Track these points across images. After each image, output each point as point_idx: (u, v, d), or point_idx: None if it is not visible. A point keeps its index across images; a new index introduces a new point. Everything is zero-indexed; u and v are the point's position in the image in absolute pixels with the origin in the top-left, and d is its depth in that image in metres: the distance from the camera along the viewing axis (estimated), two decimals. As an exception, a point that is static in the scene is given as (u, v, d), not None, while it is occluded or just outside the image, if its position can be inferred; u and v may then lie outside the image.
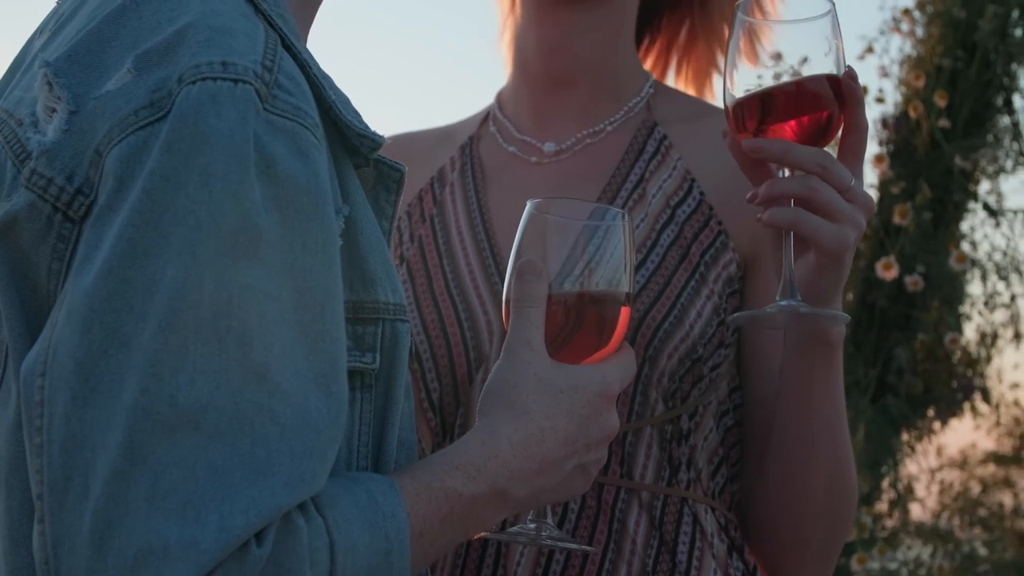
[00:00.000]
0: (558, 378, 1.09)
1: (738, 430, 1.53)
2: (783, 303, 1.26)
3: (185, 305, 0.85)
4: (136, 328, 0.85)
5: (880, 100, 4.63)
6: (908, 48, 4.79)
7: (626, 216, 1.16)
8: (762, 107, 1.26)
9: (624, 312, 1.16)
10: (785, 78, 1.25)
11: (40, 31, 1.10)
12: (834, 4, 1.26)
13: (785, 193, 1.24)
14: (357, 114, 1.04)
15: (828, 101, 1.25)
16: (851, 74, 1.26)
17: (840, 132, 1.29)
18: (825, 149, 1.27)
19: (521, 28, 1.61)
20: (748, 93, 1.26)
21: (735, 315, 1.31)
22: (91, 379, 0.85)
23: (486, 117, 1.67)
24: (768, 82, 1.26)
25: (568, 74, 1.58)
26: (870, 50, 4.87)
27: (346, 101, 1.04)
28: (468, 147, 1.64)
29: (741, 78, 1.27)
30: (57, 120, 0.94)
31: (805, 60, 1.26)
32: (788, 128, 1.25)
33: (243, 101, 0.90)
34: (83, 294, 0.87)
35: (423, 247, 1.57)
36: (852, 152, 1.28)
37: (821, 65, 1.25)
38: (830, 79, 1.25)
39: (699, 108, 1.62)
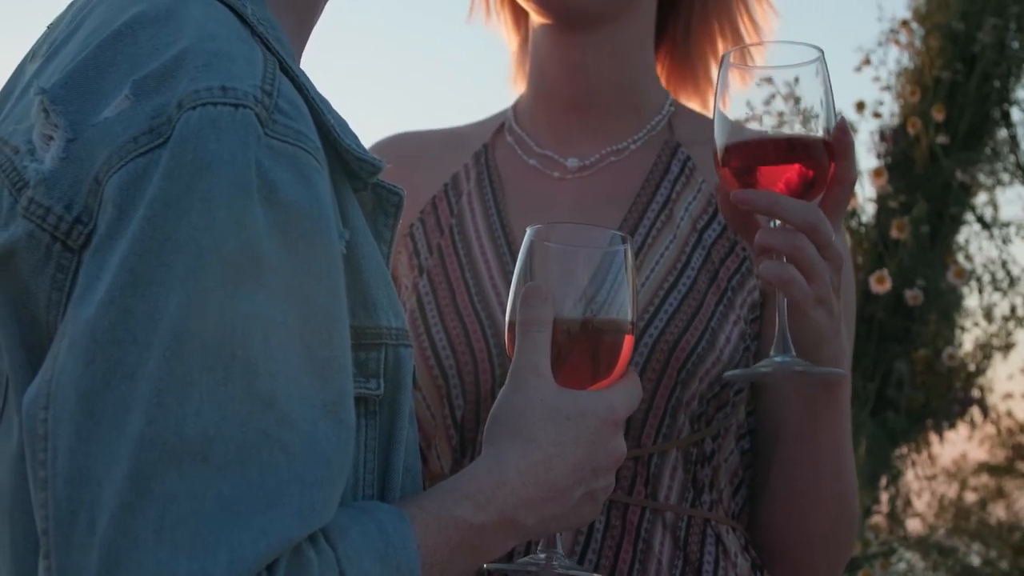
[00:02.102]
0: (565, 404, 1.08)
1: (752, 454, 1.54)
2: (777, 359, 1.25)
3: (189, 334, 0.84)
4: (140, 358, 0.84)
5: (877, 115, 4.63)
6: (905, 60, 4.80)
7: (628, 240, 1.16)
8: (751, 156, 1.25)
9: (629, 338, 1.15)
10: (779, 103, 1.24)
11: (32, 56, 1.08)
12: (822, 51, 1.26)
13: (773, 247, 1.24)
14: (355, 137, 1.03)
15: (818, 154, 1.24)
16: (842, 126, 1.25)
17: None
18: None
19: (538, 50, 1.59)
20: (739, 139, 1.25)
21: (729, 372, 1.31)
22: (95, 411, 0.84)
23: (501, 126, 1.65)
24: (758, 107, 1.25)
25: (589, 95, 1.58)
26: (867, 62, 4.88)
27: (344, 125, 1.03)
28: (483, 156, 1.62)
29: (732, 107, 1.26)
30: (55, 148, 0.92)
31: (796, 80, 1.25)
32: (776, 179, 1.24)
33: (244, 126, 0.88)
34: (85, 325, 0.85)
35: (443, 258, 1.55)
36: (835, 204, 1.28)
37: (808, 110, 1.24)
38: (822, 137, 1.24)
39: None
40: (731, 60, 1.27)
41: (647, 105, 1.60)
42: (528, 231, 1.17)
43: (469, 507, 1.01)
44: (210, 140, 0.87)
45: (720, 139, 1.26)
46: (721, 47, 1.62)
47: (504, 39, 1.70)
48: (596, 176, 1.56)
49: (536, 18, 1.56)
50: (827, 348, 1.30)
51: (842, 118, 1.26)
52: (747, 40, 1.61)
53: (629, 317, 1.15)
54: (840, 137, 1.25)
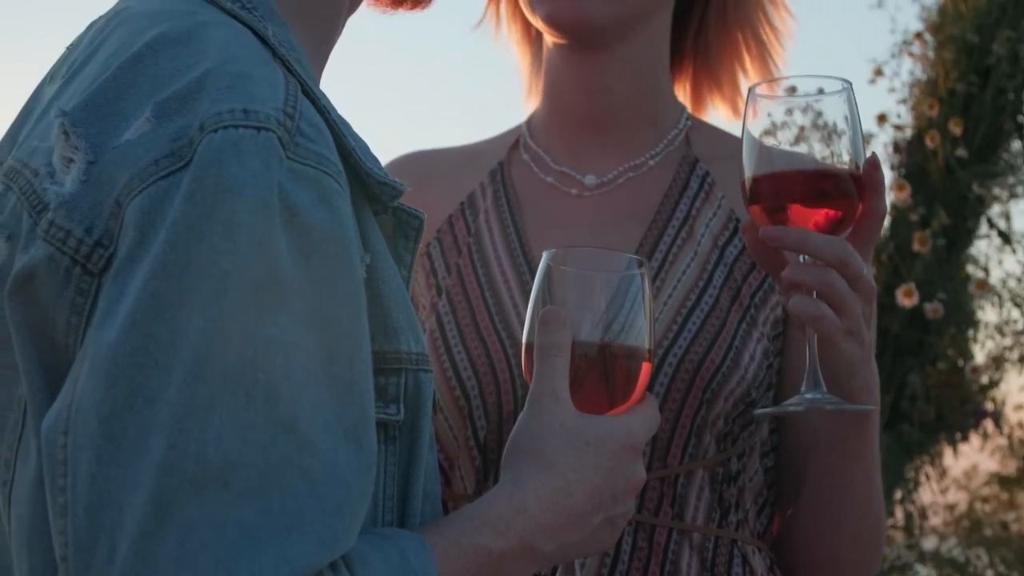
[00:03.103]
0: (584, 430, 1.07)
1: (776, 471, 1.53)
2: (808, 396, 1.25)
3: (211, 358, 0.83)
4: (161, 383, 0.83)
5: (899, 128, 4.61)
6: (919, 72, 4.78)
7: (645, 264, 1.15)
8: (781, 191, 1.25)
9: (647, 362, 1.15)
10: (797, 116, 1.24)
11: (51, 77, 1.07)
12: (850, 83, 1.25)
13: (804, 283, 1.23)
14: (376, 160, 1.03)
15: (848, 189, 1.24)
16: (874, 161, 1.25)
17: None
18: None
19: (552, 68, 1.59)
20: (768, 172, 1.24)
21: (759, 411, 1.30)
22: (116, 436, 0.83)
23: (515, 143, 1.64)
24: (780, 119, 1.24)
25: (605, 112, 1.57)
26: (879, 73, 4.86)
27: (365, 147, 1.02)
28: (499, 173, 1.61)
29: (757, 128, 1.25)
30: (75, 170, 0.91)
31: (820, 92, 1.25)
32: (806, 215, 1.24)
33: (266, 149, 0.88)
34: (106, 349, 0.84)
35: (463, 278, 1.54)
36: (865, 237, 1.27)
37: (838, 142, 1.24)
38: (851, 171, 1.23)
39: (737, 146, 1.60)
40: (757, 89, 1.26)
41: (664, 120, 1.59)
42: (544, 255, 1.16)
43: (489, 534, 1.00)
44: (232, 163, 0.86)
45: (748, 172, 1.25)
46: (746, 55, 1.61)
47: (514, 54, 1.69)
48: (614, 193, 1.56)
49: (549, 38, 1.55)
50: (858, 379, 1.29)
51: (873, 154, 1.25)
52: (770, 46, 1.60)
53: (647, 341, 1.14)
54: (871, 172, 1.24)
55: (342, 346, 0.89)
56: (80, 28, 1.10)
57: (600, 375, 1.13)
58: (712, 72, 1.64)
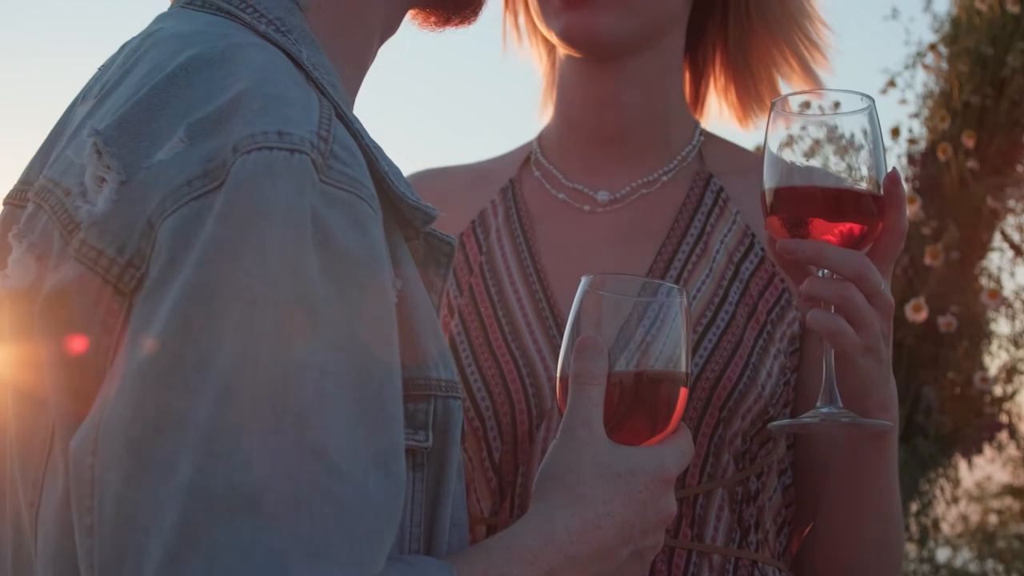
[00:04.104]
0: (616, 462, 1.06)
1: (794, 489, 1.52)
2: (824, 410, 1.24)
3: (241, 382, 0.82)
4: (191, 406, 0.82)
5: (913, 142, 4.60)
6: (932, 83, 4.77)
7: (683, 292, 1.14)
8: (800, 206, 1.24)
9: (683, 392, 1.13)
10: (817, 130, 1.23)
11: (83, 97, 1.07)
12: (873, 100, 1.25)
13: (822, 296, 1.22)
14: (408, 185, 1.02)
15: (868, 205, 1.23)
16: (894, 177, 1.24)
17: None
18: None
19: (565, 82, 1.58)
20: (788, 185, 1.24)
21: (774, 423, 1.29)
22: (144, 458, 0.82)
23: (526, 159, 1.63)
24: (800, 132, 1.24)
25: (618, 127, 1.56)
26: (892, 84, 4.86)
27: (397, 172, 1.01)
28: (510, 191, 1.61)
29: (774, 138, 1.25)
30: (107, 190, 0.91)
31: (837, 105, 1.24)
32: (825, 231, 1.23)
33: (300, 172, 0.87)
34: (136, 370, 0.84)
35: (475, 298, 1.53)
36: (885, 253, 1.26)
37: (859, 158, 1.23)
38: (871, 189, 1.23)
39: (751, 160, 1.60)
40: (778, 104, 1.26)
41: (677, 136, 1.58)
42: (582, 280, 1.15)
43: (516, 565, 0.99)
44: (265, 185, 0.86)
45: (768, 185, 1.25)
46: (791, 72, 1.59)
47: (534, 66, 1.69)
48: (628, 209, 1.55)
49: (562, 51, 1.55)
50: (875, 395, 1.28)
51: (894, 169, 1.25)
52: (813, 61, 1.58)
53: (684, 368, 1.13)
54: (891, 189, 1.24)
55: (373, 372, 0.88)
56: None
57: (636, 404, 1.12)
58: (753, 87, 1.63)
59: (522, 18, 1.65)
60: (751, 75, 1.61)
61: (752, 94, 1.63)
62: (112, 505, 0.83)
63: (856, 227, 1.23)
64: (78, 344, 0.90)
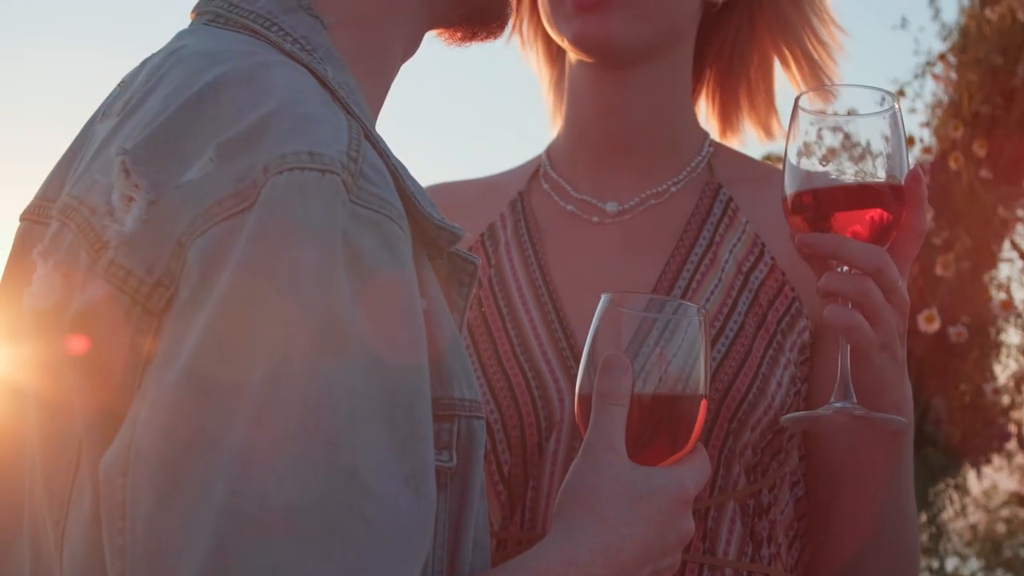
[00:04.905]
0: (638, 483, 1.06)
1: (806, 500, 1.51)
2: (837, 404, 1.24)
3: (273, 403, 0.82)
4: (223, 427, 0.82)
5: (928, 151, 4.60)
6: (941, 92, 4.77)
7: (702, 311, 1.14)
8: (821, 204, 1.24)
9: (702, 411, 1.13)
10: (827, 138, 1.23)
11: (103, 113, 1.06)
12: (896, 99, 1.24)
13: (839, 291, 1.22)
14: (433, 205, 1.02)
15: (889, 203, 1.23)
16: (915, 175, 1.24)
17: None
18: None
19: (575, 89, 1.58)
20: (810, 187, 1.24)
21: (787, 416, 1.28)
22: (176, 479, 0.82)
23: (535, 172, 1.63)
24: (814, 138, 1.24)
25: (628, 137, 1.55)
26: (902, 93, 4.85)
27: (422, 191, 1.01)
28: (519, 204, 1.60)
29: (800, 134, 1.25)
30: (136, 209, 0.91)
31: (853, 112, 1.24)
32: (845, 228, 1.24)
33: (331, 192, 0.87)
34: (168, 391, 0.84)
35: (483, 310, 1.53)
36: (903, 252, 1.26)
37: (881, 159, 1.24)
38: (892, 185, 1.23)
39: (761, 170, 1.59)
40: (801, 105, 1.26)
41: (686, 146, 1.58)
42: (602, 298, 1.15)
43: None
44: (297, 206, 0.86)
45: (790, 186, 1.25)
46: (797, 73, 1.58)
47: (536, 73, 1.68)
48: (636, 220, 1.54)
49: (573, 56, 1.55)
50: (889, 394, 1.28)
51: (916, 167, 1.24)
52: (821, 62, 1.57)
53: (702, 387, 1.13)
54: (912, 186, 1.23)
55: (403, 392, 0.88)
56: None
57: (656, 425, 1.12)
58: (747, 95, 1.63)
59: (526, 24, 1.65)
60: (747, 82, 1.61)
61: (744, 104, 1.63)
62: (144, 526, 0.83)
63: (875, 223, 1.23)
64: (106, 363, 0.90)
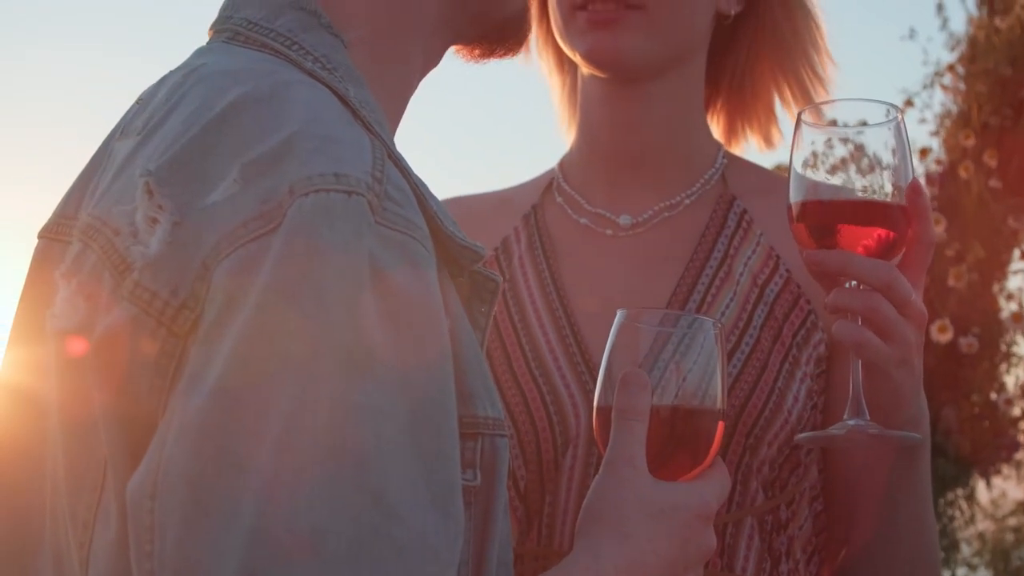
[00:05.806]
0: (660, 499, 1.06)
1: (825, 515, 1.50)
2: (851, 423, 1.23)
3: (300, 426, 0.82)
4: (250, 449, 0.82)
5: (939, 162, 4.60)
6: (949, 103, 4.76)
7: (719, 326, 1.14)
8: (827, 218, 1.24)
9: (720, 426, 1.13)
10: (845, 141, 1.23)
11: (122, 131, 1.06)
12: (900, 111, 1.24)
13: (847, 307, 1.22)
14: (455, 224, 1.02)
15: (895, 218, 1.23)
16: (916, 187, 1.23)
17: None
18: None
19: (588, 103, 1.58)
20: (815, 199, 1.24)
21: (801, 435, 1.28)
22: (204, 502, 0.82)
23: (549, 185, 1.63)
24: (820, 148, 1.24)
25: (642, 150, 1.55)
26: (910, 103, 4.85)
27: (444, 210, 1.01)
28: (533, 217, 1.60)
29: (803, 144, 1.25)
30: (160, 231, 0.90)
31: (864, 123, 1.24)
32: (852, 243, 1.23)
33: (357, 214, 0.87)
34: (195, 414, 0.84)
35: (497, 325, 1.52)
36: (915, 264, 1.25)
37: (887, 171, 1.23)
38: (896, 199, 1.23)
39: (775, 181, 1.59)
40: (806, 118, 1.26)
41: (699, 158, 1.57)
42: (618, 314, 1.15)
43: None
44: (324, 228, 0.86)
45: (795, 198, 1.25)
46: (791, 99, 1.59)
47: (547, 81, 1.68)
48: (650, 233, 1.54)
49: (585, 70, 1.55)
50: (906, 409, 1.27)
51: (915, 179, 1.24)
52: (814, 93, 1.58)
53: (720, 402, 1.13)
54: (915, 199, 1.23)
55: (430, 413, 0.88)
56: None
57: (676, 440, 1.12)
58: (748, 106, 1.63)
59: (536, 35, 1.64)
60: (752, 95, 1.62)
61: (748, 115, 1.63)
62: (173, 550, 0.82)
63: (882, 238, 1.22)
64: (132, 385, 0.90)
